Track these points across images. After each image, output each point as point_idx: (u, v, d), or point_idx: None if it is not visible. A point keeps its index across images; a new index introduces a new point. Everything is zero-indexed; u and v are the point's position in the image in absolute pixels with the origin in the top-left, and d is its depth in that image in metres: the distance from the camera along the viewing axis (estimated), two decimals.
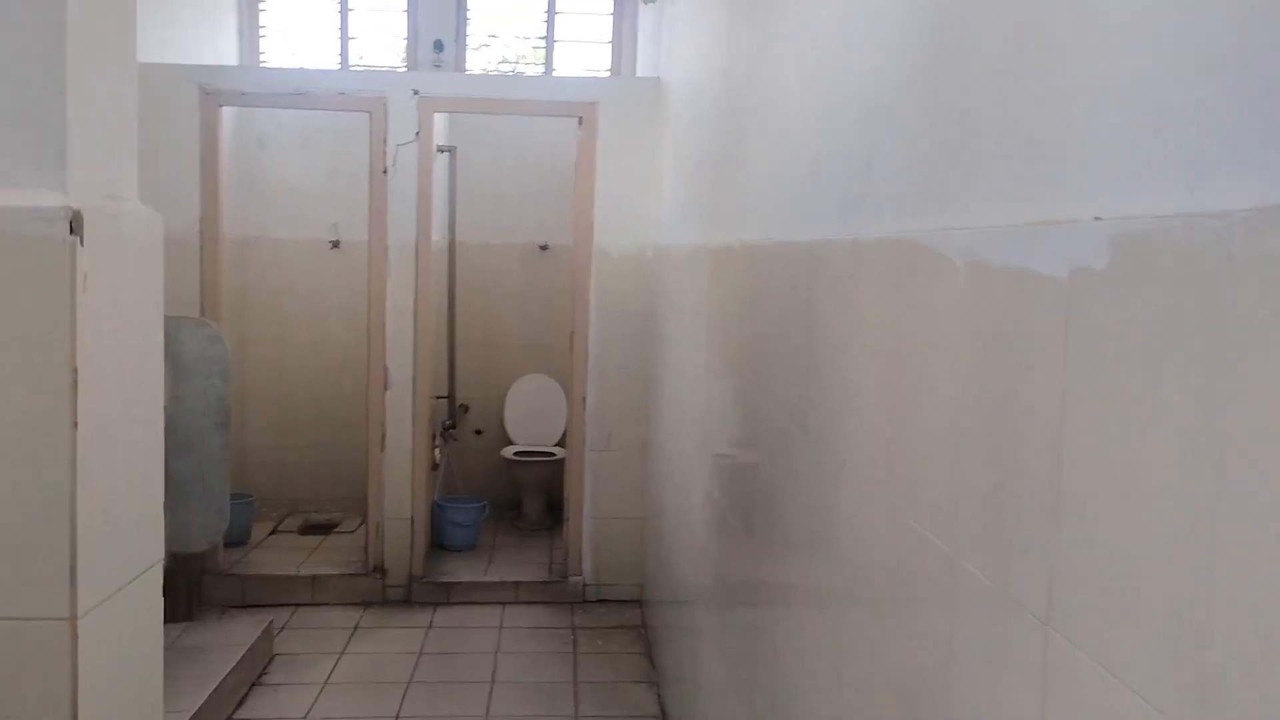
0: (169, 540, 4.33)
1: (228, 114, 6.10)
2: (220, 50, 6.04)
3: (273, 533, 6.01)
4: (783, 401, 2.10)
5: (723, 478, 2.92)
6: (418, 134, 4.93)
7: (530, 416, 6.55)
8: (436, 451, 5.69)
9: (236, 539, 5.62)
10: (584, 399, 5.11)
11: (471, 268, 6.48)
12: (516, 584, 5.17)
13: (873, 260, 1.53)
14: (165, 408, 4.23)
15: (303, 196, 6.47)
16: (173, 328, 4.43)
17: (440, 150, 5.75)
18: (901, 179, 1.42)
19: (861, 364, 1.56)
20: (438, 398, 6.01)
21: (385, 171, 4.94)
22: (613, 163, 5.01)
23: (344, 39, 6.49)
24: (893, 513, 1.38)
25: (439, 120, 5.61)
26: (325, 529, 6.15)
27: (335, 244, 6.48)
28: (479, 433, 6.73)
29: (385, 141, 4.92)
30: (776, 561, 2.12)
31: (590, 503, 5.16)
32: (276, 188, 6.47)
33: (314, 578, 5.07)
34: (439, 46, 6.39)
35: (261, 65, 6.30)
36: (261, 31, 6.45)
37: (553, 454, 6.29)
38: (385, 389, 5.04)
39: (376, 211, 4.97)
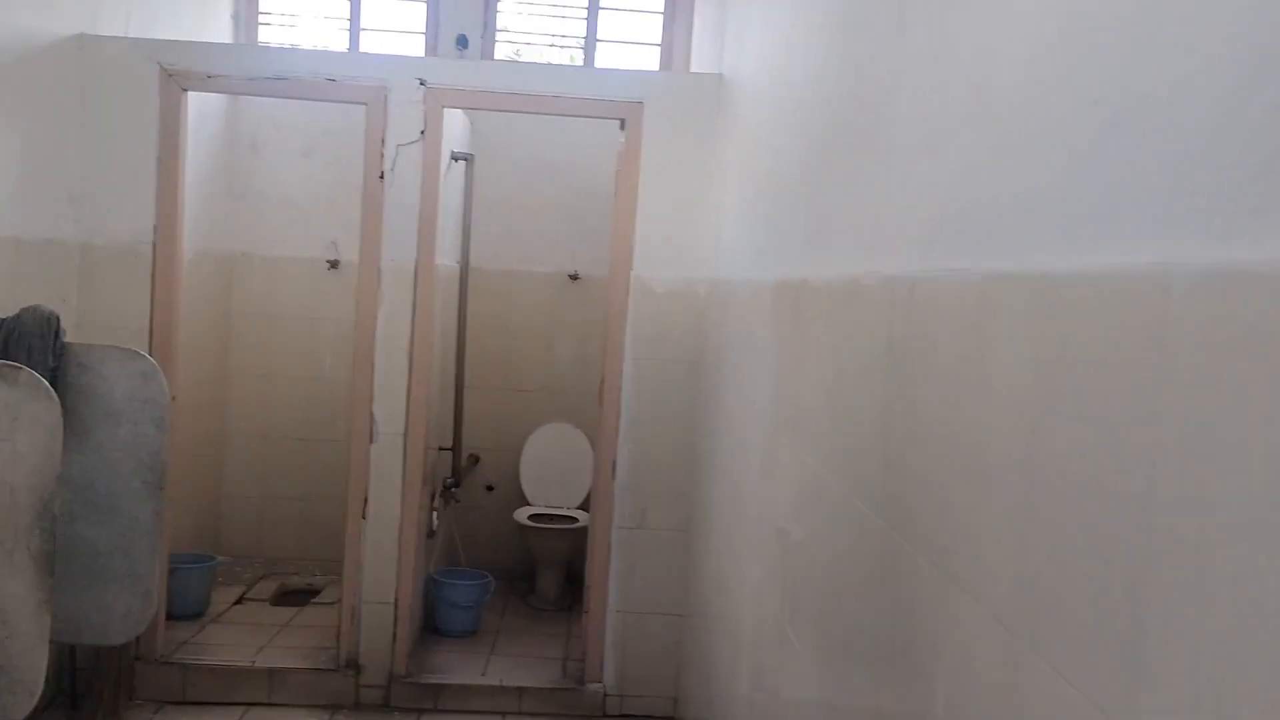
0: (82, 630, 3.41)
1: (216, 113, 5.28)
2: (209, 35, 5.18)
3: (239, 600, 5.07)
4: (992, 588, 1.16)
5: (787, 572, 2.05)
6: (423, 133, 4.02)
7: (550, 473, 5.60)
8: (435, 515, 4.75)
9: (191, 610, 4.71)
10: (613, 464, 4.14)
11: (487, 298, 5.56)
12: (521, 690, 4.18)
13: None
14: (79, 460, 3.32)
15: (301, 209, 5.60)
16: (95, 359, 3.53)
17: (455, 158, 4.85)
18: None
19: None
20: (441, 449, 5.08)
21: (382, 176, 4.03)
22: (660, 176, 4.08)
23: (354, 29, 5.63)
24: None
25: (454, 124, 4.72)
26: (304, 596, 5.23)
27: (334, 264, 5.59)
28: (490, 489, 5.78)
29: (384, 141, 4.02)
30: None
31: (617, 592, 4.18)
32: (271, 198, 5.61)
33: (272, 672, 4.11)
34: (462, 43, 5.50)
35: (237, 43, 5.39)
36: (262, 18, 5.60)
37: (575, 519, 5.34)
38: (370, 442, 4.11)
39: (369, 225, 4.06)
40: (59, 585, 3.44)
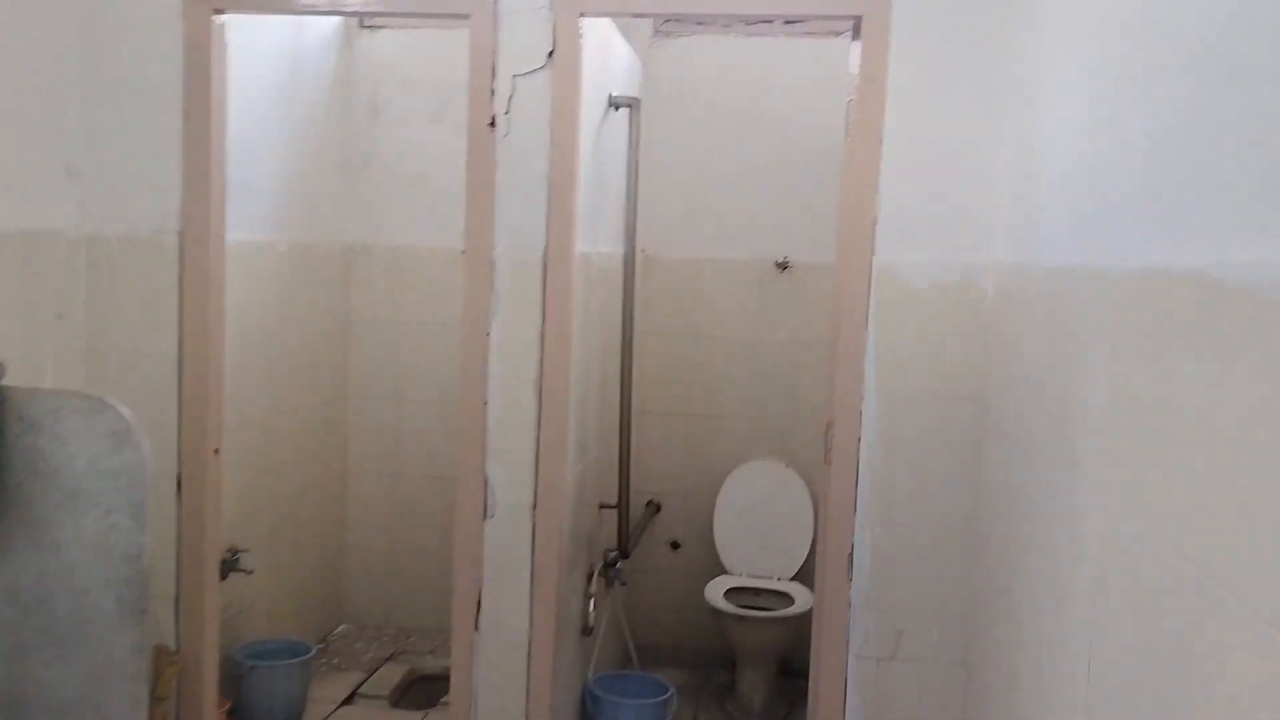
0: None
1: (319, 72, 4.11)
2: None
3: (350, 698, 3.89)
4: None
5: None
6: (551, 55, 2.67)
7: (755, 529, 4.17)
8: (592, 603, 3.41)
9: None
10: (849, 556, 2.68)
11: (665, 296, 4.19)
12: None
13: None
14: (31, 565, 2.16)
15: (431, 188, 4.36)
16: (44, 412, 2.30)
17: (615, 105, 3.48)
18: None
19: None
20: (602, 507, 3.73)
21: (493, 124, 2.70)
22: (918, 106, 2.57)
23: None
24: None
25: (612, 57, 3.37)
26: (438, 687, 4.01)
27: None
28: (675, 546, 4.41)
29: (494, 70, 2.69)
30: None
31: None
32: (394, 175, 4.40)
33: None
34: None
35: None
36: None
37: (789, 598, 3.91)
38: (484, 517, 2.79)
39: (476, 197, 2.74)
40: None
